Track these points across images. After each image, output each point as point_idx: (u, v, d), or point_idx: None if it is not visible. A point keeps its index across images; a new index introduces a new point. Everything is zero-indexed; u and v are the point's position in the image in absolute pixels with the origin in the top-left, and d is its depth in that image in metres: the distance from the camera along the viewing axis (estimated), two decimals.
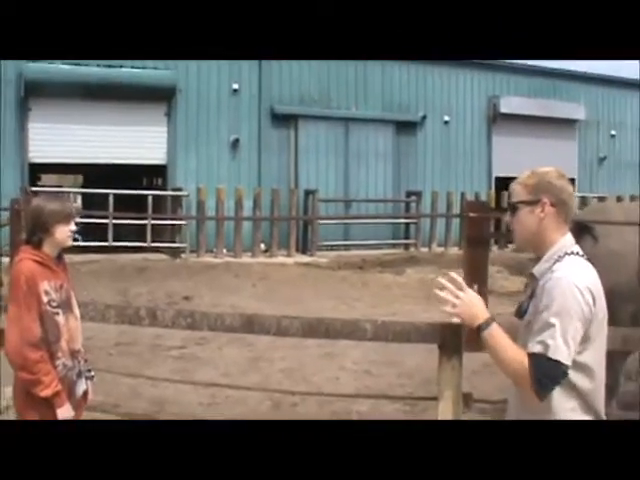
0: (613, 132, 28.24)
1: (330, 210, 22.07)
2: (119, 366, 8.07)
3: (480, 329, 2.88)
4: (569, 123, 26.90)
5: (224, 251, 19.44)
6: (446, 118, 24.53)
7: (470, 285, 3.12)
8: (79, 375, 3.88)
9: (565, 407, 2.82)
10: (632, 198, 22.77)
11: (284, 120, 21.84)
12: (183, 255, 19.04)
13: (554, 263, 2.84)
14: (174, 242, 19.44)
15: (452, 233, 22.98)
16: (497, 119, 25.31)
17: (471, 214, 5.59)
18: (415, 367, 9.02)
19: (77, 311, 3.95)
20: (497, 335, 2.85)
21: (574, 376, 2.79)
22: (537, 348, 2.75)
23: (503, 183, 24.80)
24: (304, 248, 20.93)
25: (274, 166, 21.81)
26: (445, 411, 5.84)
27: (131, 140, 19.78)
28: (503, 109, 24.99)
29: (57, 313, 3.75)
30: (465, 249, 5.85)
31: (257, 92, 21.29)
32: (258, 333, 5.83)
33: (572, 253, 2.86)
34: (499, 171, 25.44)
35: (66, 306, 3.83)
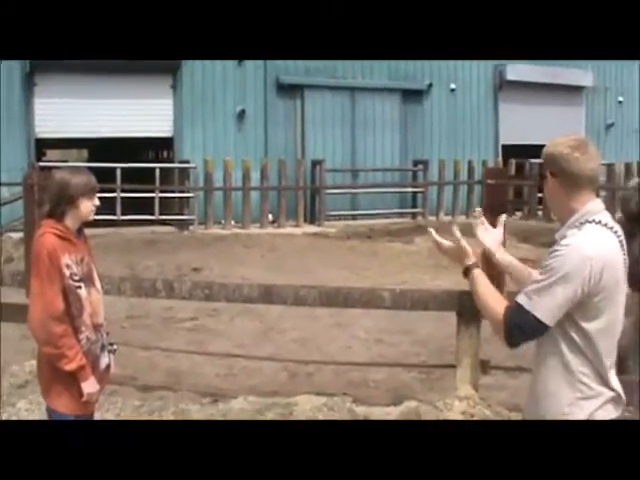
0: (621, 99, 27.99)
1: (337, 180, 22.04)
2: (133, 339, 8.09)
3: (465, 273, 3.10)
4: (576, 90, 26.68)
5: (232, 222, 19.46)
6: (452, 86, 24.31)
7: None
8: (102, 349, 3.89)
9: (575, 364, 2.84)
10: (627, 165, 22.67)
11: (290, 90, 21.69)
12: (191, 227, 19.07)
13: (571, 230, 2.88)
14: (182, 214, 19.45)
15: (459, 201, 22.95)
16: (503, 87, 25.06)
17: (490, 181, 5.58)
18: (428, 335, 9.06)
19: (99, 284, 3.95)
20: (478, 281, 3.02)
21: (582, 343, 2.83)
22: (519, 297, 2.83)
23: (510, 151, 24.75)
24: (312, 218, 20.92)
25: (280, 137, 21.70)
26: (463, 378, 5.91)
27: (137, 113, 19.66)
28: (509, 76, 24.69)
29: (79, 287, 3.74)
30: (485, 216, 5.84)
31: (262, 63, 21.05)
32: (276, 303, 5.87)
33: (593, 221, 2.86)
34: (506, 139, 25.33)
35: (88, 279, 3.82)
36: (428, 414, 5.52)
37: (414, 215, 22.58)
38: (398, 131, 23.38)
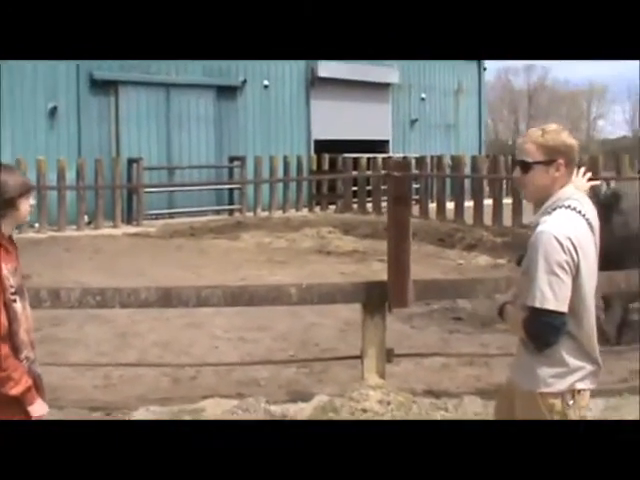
0: (423, 95, 29.31)
1: (153, 178, 21.57)
2: None
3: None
4: (383, 87, 27.59)
5: (46, 225, 18.60)
6: (266, 83, 24.52)
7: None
8: (36, 366, 3.54)
9: (563, 342, 3.03)
10: (439, 158, 23.77)
11: (103, 87, 21.02)
12: None
13: (545, 216, 3.06)
14: None
15: (276, 197, 23.11)
16: (315, 83, 25.57)
17: (396, 173, 5.70)
18: (287, 331, 9.12)
19: (27, 296, 3.58)
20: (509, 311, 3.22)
21: (570, 323, 3.01)
22: (529, 302, 2.98)
23: (322, 146, 25.27)
24: (129, 218, 20.37)
25: (95, 135, 20.98)
26: (370, 368, 5.97)
27: None
28: (321, 73, 25.24)
29: (15, 300, 3.33)
30: (390, 207, 6.00)
31: None
32: (176, 306, 5.65)
33: (563, 206, 3.05)
34: (318, 134, 25.81)
35: (21, 291, 3.41)
36: (345, 406, 5.50)
37: (231, 212, 22.50)
38: (213, 128, 23.25)
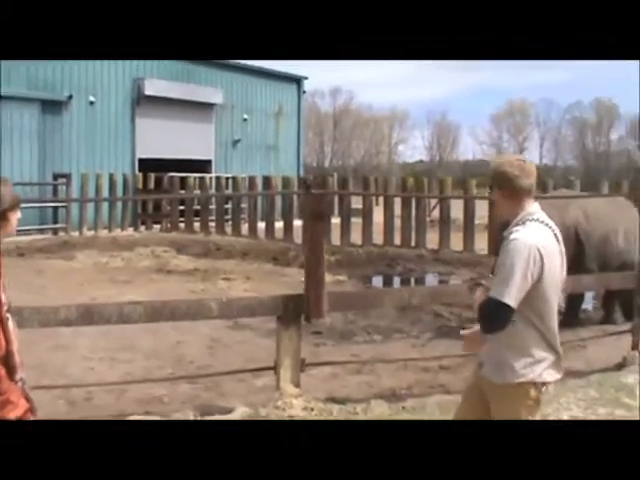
0: (245, 116, 29.82)
1: None
2: None
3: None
4: (208, 107, 27.87)
5: None
6: (92, 99, 24.11)
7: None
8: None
9: (530, 336, 3.55)
10: (265, 178, 24.19)
11: None
12: None
13: (516, 227, 3.57)
14: None
15: (102, 216, 22.70)
16: (141, 101, 25.41)
17: (314, 190, 6.04)
18: (155, 349, 9.13)
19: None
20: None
21: (533, 317, 3.55)
22: (493, 293, 3.50)
23: (147, 165, 25.08)
24: None
25: None
26: (285, 378, 6.23)
27: None
28: (147, 91, 25.15)
29: (8, 318, 3.24)
30: (307, 223, 6.32)
31: None
32: (98, 323, 5.65)
33: (532, 219, 3.59)
34: (142, 153, 25.67)
35: (10, 310, 3.31)
36: (271, 415, 5.69)
37: (56, 231, 21.86)
38: (37, 143, 22.52)
